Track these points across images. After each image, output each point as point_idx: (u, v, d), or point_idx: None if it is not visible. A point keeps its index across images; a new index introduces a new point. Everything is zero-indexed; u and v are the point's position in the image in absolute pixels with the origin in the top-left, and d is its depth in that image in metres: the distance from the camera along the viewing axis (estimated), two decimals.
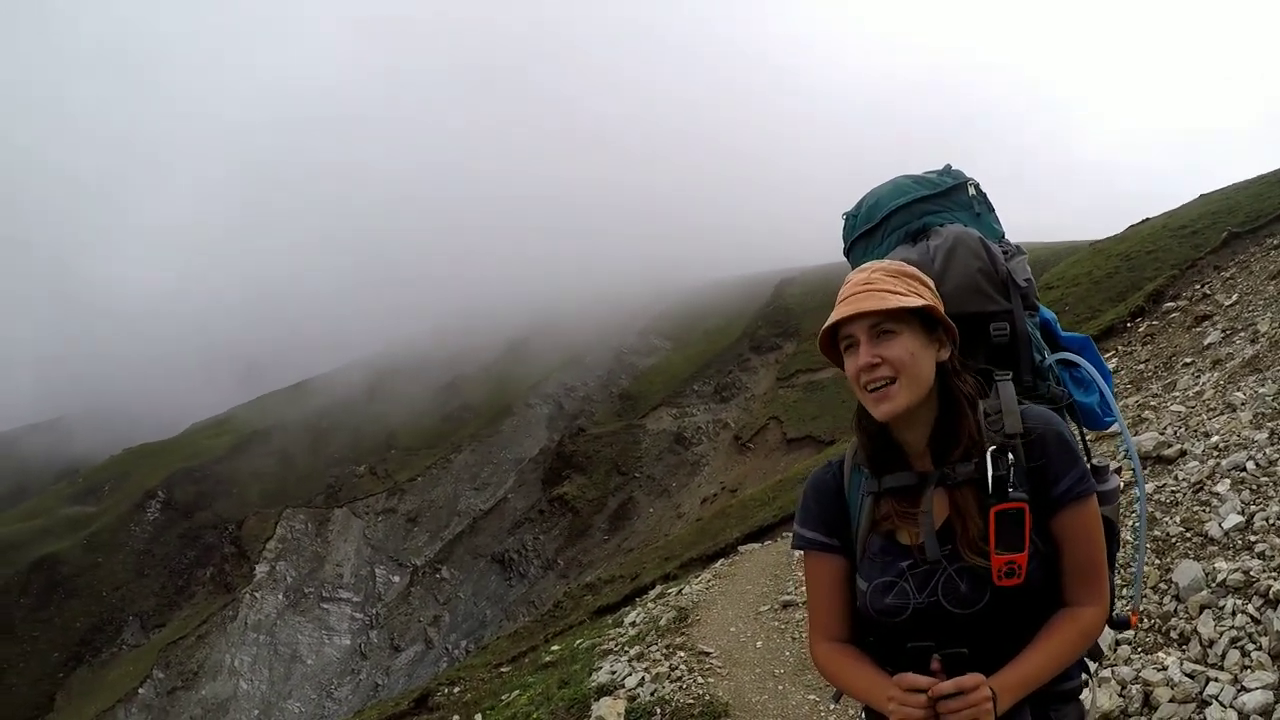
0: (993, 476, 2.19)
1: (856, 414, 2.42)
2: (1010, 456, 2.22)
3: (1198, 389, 9.93)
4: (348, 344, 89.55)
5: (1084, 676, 2.41)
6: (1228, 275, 16.37)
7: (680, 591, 12.15)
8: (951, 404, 2.32)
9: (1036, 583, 2.22)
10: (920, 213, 2.72)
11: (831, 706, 6.57)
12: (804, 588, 9.39)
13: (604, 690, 8.12)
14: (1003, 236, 2.77)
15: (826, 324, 2.33)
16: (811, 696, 6.84)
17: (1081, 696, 2.39)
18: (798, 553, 9.60)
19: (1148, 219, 33.51)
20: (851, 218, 2.89)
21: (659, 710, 7.18)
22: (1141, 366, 13.45)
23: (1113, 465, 2.48)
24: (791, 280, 63.76)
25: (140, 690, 46.37)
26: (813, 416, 42.81)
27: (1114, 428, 2.68)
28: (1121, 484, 2.49)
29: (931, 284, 2.38)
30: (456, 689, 14.23)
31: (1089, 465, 2.35)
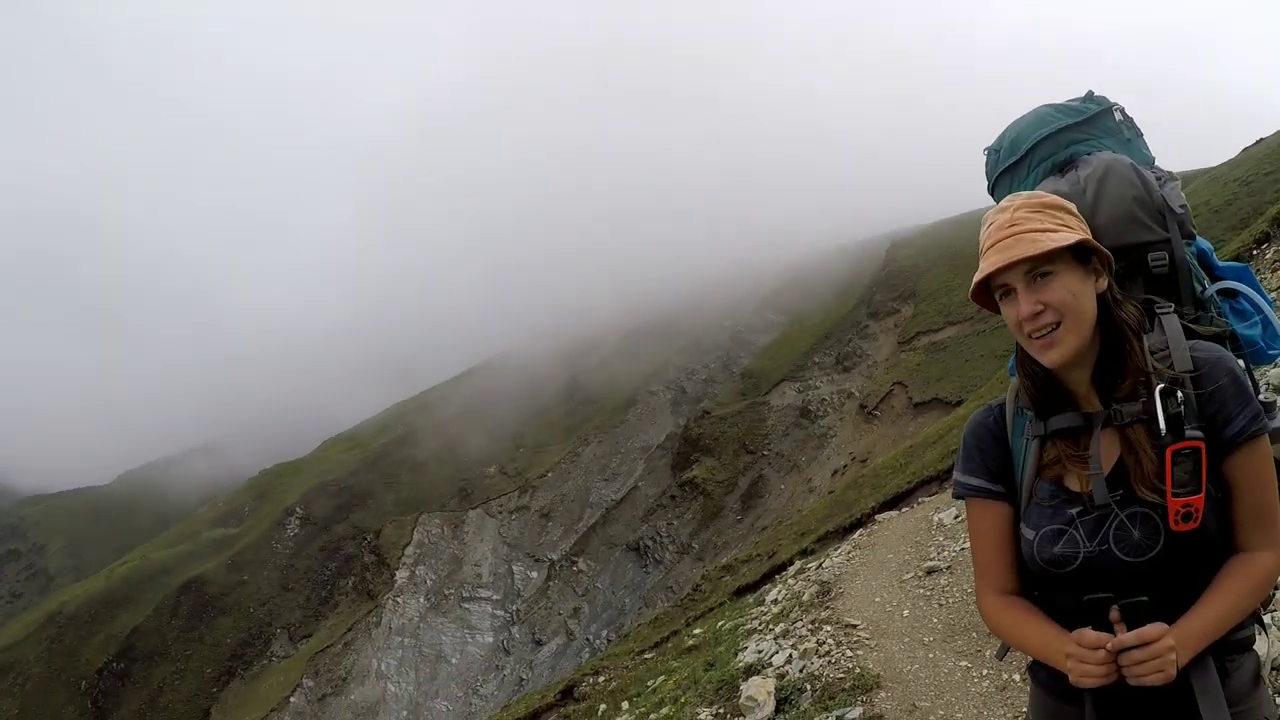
0: (1166, 415, 2.10)
1: (1018, 356, 2.35)
2: (1179, 395, 2.12)
3: None
4: (477, 349, 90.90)
5: (1256, 625, 2.30)
6: None
7: (820, 565, 12.03)
8: (1115, 337, 2.23)
9: (1211, 528, 2.12)
10: (1066, 142, 2.62)
11: (985, 671, 6.42)
12: (945, 553, 9.22)
13: (752, 670, 8.06)
14: (1153, 162, 2.63)
15: (978, 275, 2.25)
16: (963, 663, 6.68)
17: (1255, 646, 2.27)
18: (938, 517, 9.35)
19: (1262, 139, 32.21)
20: (994, 153, 2.80)
21: (809, 686, 7.09)
22: (1273, 294, 12.82)
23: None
24: (904, 241, 62.79)
25: (292, 699, 48.02)
26: (937, 378, 42.08)
27: None
28: None
29: (1076, 211, 2.28)
30: (601, 678, 14.33)
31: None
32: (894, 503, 16.94)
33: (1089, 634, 2.06)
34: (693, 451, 53.62)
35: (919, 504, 14.65)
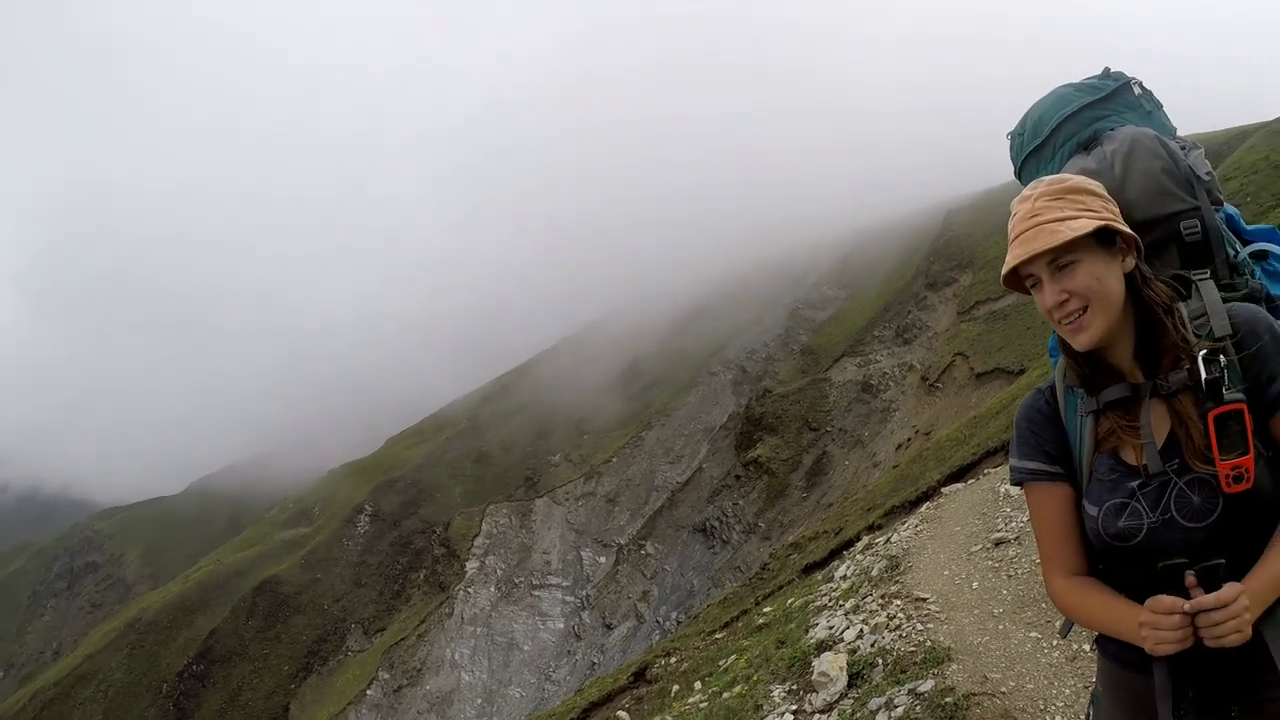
0: (1206, 380, 2.14)
1: (1059, 338, 2.40)
2: (1222, 358, 2.17)
3: None
4: (539, 340, 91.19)
5: None
6: None
7: (888, 540, 12.03)
8: (1148, 314, 2.28)
9: (1266, 488, 2.15)
10: (1088, 120, 2.68)
11: (1055, 641, 6.44)
12: (1013, 524, 9.20)
13: (823, 646, 8.12)
14: (1175, 133, 2.68)
15: (1005, 267, 2.33)
16: (1033, 634, 6.68)
17: None
18: (1004, 488, 9.33)
19: None
20: (1018, 136, 2.85)
21: (881, 661, 7.14)
22: None
23: None
24: (959, 209, 61.98)
25: (368, 691, 48.88)
26: (999, 348, 41.63)
27: None
28: None
29: (1100, 191, 2.32)
30: (673, 659, 14.40)
31: None
32: (959, 475, 16.83)
33: (1164, 599, 2.07)
34: (755, 430, 53.54)
35: (984, 475, 14.57)
